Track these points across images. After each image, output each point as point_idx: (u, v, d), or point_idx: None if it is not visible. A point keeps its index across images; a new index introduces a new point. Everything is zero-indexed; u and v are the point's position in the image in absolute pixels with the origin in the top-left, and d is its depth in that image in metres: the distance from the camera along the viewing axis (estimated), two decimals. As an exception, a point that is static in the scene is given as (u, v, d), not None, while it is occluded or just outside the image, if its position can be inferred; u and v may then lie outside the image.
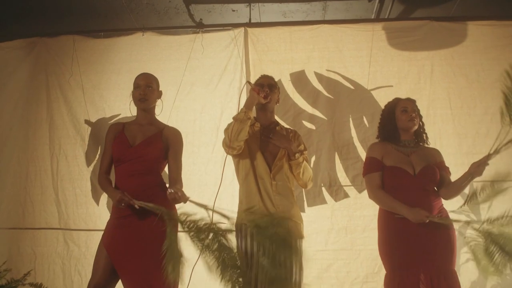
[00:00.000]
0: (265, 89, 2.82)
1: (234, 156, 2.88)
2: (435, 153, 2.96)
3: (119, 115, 3.76)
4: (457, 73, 3.75)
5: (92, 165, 3.76)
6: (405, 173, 2.76)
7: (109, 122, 3.77)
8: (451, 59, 3.77)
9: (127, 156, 2.70)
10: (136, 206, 2.53)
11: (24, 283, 3.02)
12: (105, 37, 3.99)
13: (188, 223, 2.39)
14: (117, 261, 2.58)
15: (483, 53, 3.77)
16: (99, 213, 3.67)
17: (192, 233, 2.35)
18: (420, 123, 2.99)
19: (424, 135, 3.01)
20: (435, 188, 2.85)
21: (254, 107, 2.92)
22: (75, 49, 3.95)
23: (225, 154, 2.79)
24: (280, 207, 2.70)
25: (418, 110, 3.02)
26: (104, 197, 3.68)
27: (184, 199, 2.52)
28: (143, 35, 3.94)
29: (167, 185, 2.76)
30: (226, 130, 2.76)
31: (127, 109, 2.99)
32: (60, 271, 3.64)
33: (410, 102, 3.00)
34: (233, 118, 2.73)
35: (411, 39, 3.80)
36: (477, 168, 2.68)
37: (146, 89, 2.80)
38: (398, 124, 2.94)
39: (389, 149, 2.89)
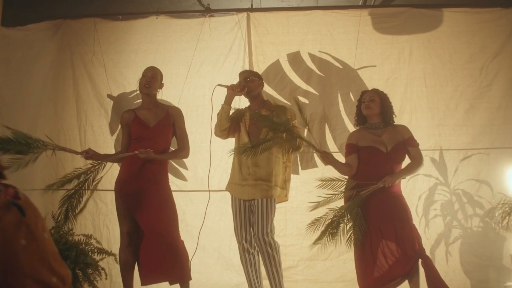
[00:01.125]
0: (241, 84, 3.36)
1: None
2: (403, 130, 3.25)
3: (137, 90, 3.98)
4: (432, 55, 4.14)
5: (115, 134, 4.19)
6: (378, 151, 3.14)
7: (129, 96, 4.23)
8: (428, 43, 4.15)
9: (147, 134, 3.26)
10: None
11: (78, 235, 3.54)
12: (123, 20, 4.34)
13: None
14: (133, 211, 3.20)
15: (456, 38, 4.15)
16: (122, 176, 4.15)
17: None
18: (383, 105, 3.24)
19: (388, 115, 3.26)
20: (402, 163, 3.24)
21: (247, 99, 3.50)
22: (96, 30, 4.29)
23: None
24: (254, 176, 3.25)
25: (381, 96, 3.27)
26: (126, 162, 4.16)
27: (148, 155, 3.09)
28: (157, 18, 4.28)
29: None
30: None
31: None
32: (91, 226, 4.11)
33: (368, 92, 3.33)
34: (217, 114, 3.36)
35: (393, 24, 4.17)
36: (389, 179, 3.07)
37: (151, 79, 3.34)
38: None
39: (363, 133, 3.26)
